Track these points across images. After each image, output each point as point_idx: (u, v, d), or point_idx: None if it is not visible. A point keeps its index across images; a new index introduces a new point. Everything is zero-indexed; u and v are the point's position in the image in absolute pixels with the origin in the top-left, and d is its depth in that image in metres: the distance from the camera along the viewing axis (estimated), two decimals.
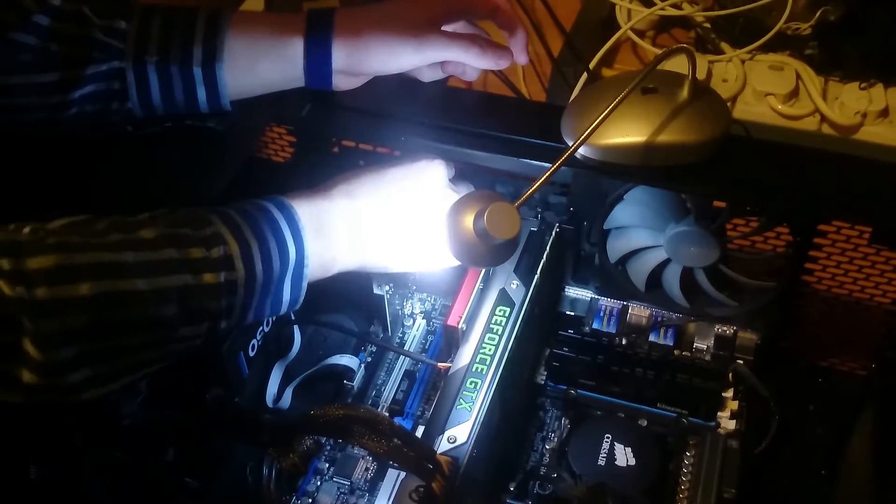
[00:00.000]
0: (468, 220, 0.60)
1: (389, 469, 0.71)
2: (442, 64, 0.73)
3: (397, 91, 0.74)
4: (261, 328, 0.70)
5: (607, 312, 0.79)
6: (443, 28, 0.71)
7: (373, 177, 0.67)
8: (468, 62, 0.71)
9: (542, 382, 0.77)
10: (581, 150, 0.66)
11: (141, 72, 0.67)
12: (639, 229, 0.73)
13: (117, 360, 0.53)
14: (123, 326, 0.52)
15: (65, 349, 0.50)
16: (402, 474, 0.61)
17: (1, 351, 0.49)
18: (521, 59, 0.74)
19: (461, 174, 0.73)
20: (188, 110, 0.69)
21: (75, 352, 0.50)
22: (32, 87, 0.66)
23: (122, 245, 0.53)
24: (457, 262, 0.66)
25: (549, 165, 0.62)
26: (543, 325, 0.78)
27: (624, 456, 0.69)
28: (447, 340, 0.72)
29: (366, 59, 0.69)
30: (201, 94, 0.68)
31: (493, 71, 0.80)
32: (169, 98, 0.68)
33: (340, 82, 0.71)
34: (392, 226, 0.66)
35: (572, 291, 0.82)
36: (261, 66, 0.69)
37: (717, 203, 0.70)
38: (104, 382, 0.53)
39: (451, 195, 0.68)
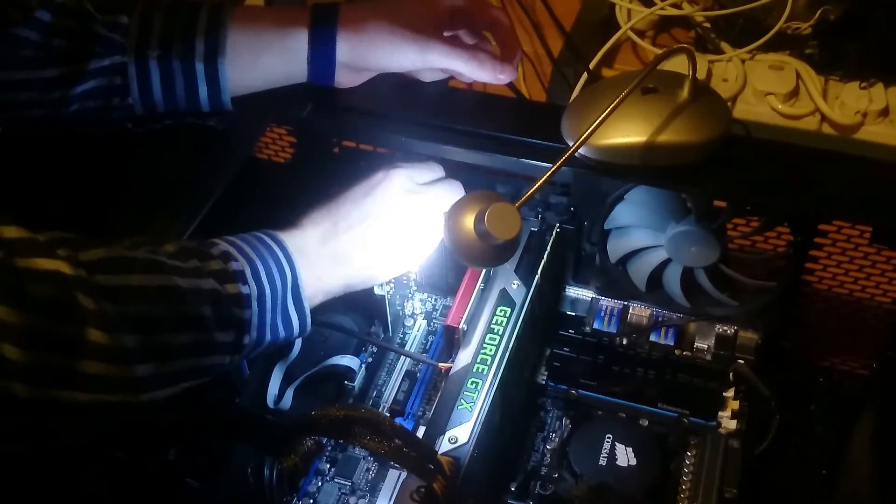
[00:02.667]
0: (469, 221, 0.60)
1: (391, 469, 0.71)
2: None
3: (397, 91, 0.74)
4: None
5: (608, 312, 0.79)
6: (445, 33, 0.71)
7: (336, 203, 0.67)
8: (466, 73, 0.72)
9: (543, 382, 0.77)
10: (581, 150, 0.66)
11: (142, 66, 0.67)
12: (639, 229, 0.73)
13: (173, 359, 0.54)
14: (173, 321, 0.53)
15: (128, 336, 0.50)
16: (404, 475, 0.61)
17: (67, 343, 0.48)
18: (509, 77, 0.73)
19: (453, 174, 0.72)
20: (189, 107, 0.69)
21: (137, 341, 0.51)
22: (34, 83, 0.66)
23: (154, 252, 0.55)
24: (428, 255, 0.67)
25: (550, 165, 0.62)
26: (544, 325, 0.78)
27: (625, 456, 0.69)
28: (448, 341, 0.72)
29: (371, 53, 0.69)
30: (203, 89, 0.68)
31: None
32: (170, 93, 0.68)
33: (343, 77, 0.71)
34: (365, 243, 0.66)
35: (573, 291, 0.82)
36: (264, 59, 0.69)
37: (717, 203, 0.70)
38: (165, 383, 0.54)
39: (421, 197, 0.68)
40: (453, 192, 0.70)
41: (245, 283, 0.58)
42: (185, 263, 0.56)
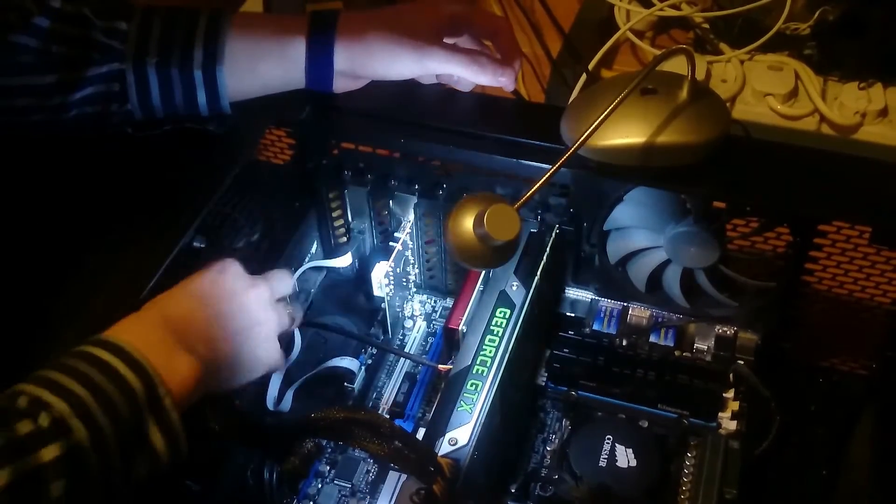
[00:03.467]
0: (468, 222, 0.60)
1: (390, 471, 0.71)
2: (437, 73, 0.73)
3: (396, 93, 0.74)
4: None
5: (608, 313, 0.79)
6: (445, 40, 0.71)
7: (196, 299, 0.59)
8: (467, 77, 0.71)
9: (543, 384, 0.77)
10: (581, 152, 0.66)
11: (141, 73, 0.67)
12: (639, 230, 0.73)
13: None
14: None
15: None
16: (404, 477, 0.61)
17: None
18: (510, 86, 0.73)
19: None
20: (188, 112, 0.69)
21: None
22: (33, 89, 0.66)
23: None
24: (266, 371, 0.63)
25: (549, 167, 0.62)
26: (544, 326, 0.78)
27: (625, 457, 0.69)
28: (448, 342, 0.72)
29: (368, 62, 0.69)
30: (201, 96, 0.68)
31: None
32: (169, 100, 0.68)
33: (341, 84, 0.71)
34: (240, 347, 0.60)
35: (572, 293, 0.81)
36: (262, 66, 0.69)
37: (716, 203, 0.70)
38: None
39: (276, 312, 0.63)
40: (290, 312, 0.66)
41: (68, 432, 0.46)
42: None
